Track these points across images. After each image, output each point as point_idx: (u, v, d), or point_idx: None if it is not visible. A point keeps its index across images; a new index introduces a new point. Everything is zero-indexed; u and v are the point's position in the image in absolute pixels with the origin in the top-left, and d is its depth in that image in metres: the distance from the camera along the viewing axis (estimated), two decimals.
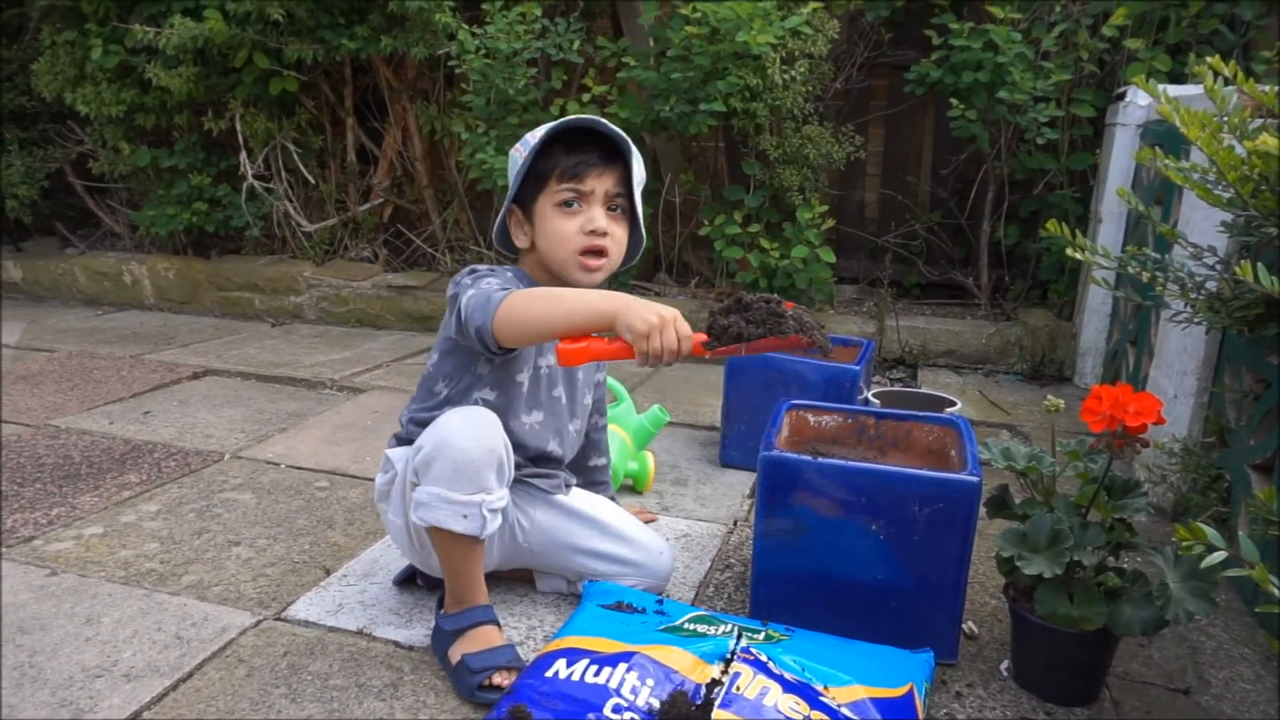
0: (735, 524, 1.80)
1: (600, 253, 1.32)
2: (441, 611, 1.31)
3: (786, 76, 2.88)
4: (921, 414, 1.51)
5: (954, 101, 2.95)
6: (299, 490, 1.93)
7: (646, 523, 1.67)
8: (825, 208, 3.06)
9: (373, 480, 1.47)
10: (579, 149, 1.31)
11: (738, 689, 1.04)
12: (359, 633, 1.37)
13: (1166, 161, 1.31)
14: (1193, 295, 1.39)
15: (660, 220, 3.35)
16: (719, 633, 1.17)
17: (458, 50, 3.06)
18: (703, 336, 1.12)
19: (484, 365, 1.34)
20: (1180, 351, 1.84)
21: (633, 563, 1.45)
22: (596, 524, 1.45)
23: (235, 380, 2.80)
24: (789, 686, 1.05)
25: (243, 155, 3.61)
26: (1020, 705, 1.22)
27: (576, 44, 3.13)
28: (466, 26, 3.06)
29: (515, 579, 1.52)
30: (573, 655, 1.11)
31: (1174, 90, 1.61)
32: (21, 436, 2.22)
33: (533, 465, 1.41)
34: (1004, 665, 1.31)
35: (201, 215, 3.76)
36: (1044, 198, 3.08)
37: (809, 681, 1.07)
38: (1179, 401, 1.83)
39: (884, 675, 1.11)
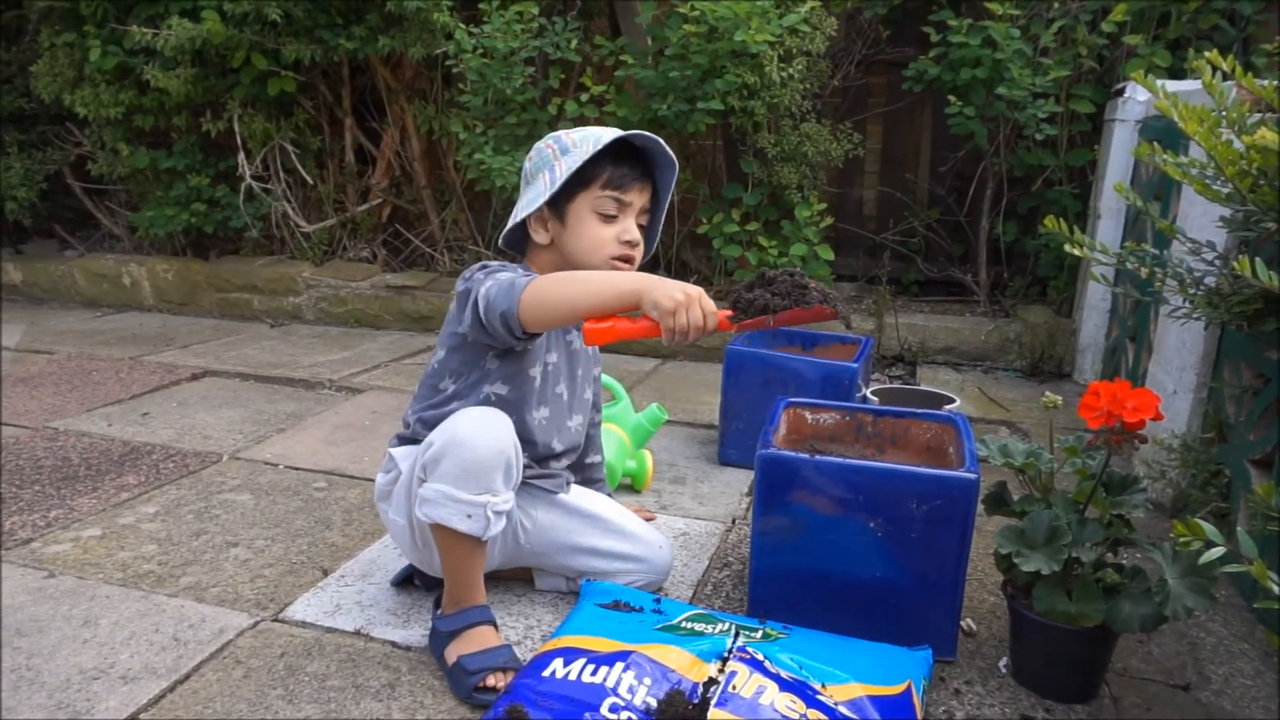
0: (734, 522, 1.80)
1: (629, 261, 1.37)
2: (438, 612, 1.31)
3: (784, 74, 2.88)
4: (919, 411, 1.50)
5: (952, 98, 2.95)
6: (297, 491, 1.93)
7: (645, 521, 1.67)
8: (824, 205, 3.06)
9: (371, 481, 1.47)
10: (624, 160, 1.34)
11: (734, 688, 1.04)
12: (356, 633, 1.36)
13: (1165, 157, 1.31)
14: (1191, 291, 1.39)
15: None
16: (716, 631, 1.17)
17: (455, 50, 3.06)
18: (728, 312, 1.14)
19: (493, 360, 1.34)
20: (1179, 347, 1.83)
21: (634, 558, 1.45)
22: (598, 521, 1.45)
23: (234, 381, 2.80)
24: (785, 685, 1.05)
25: (241, 156, 3.61)
26: (1019, 702, 1.22)
27: (574, 43, 3.12)
28: (464, 26, 3.06)
29: (513, 578, 1.51)
30: (570, 654, 1.11)
31: (1173, 86, 1.60)
32: (20, 439, 2.22)
33: (538, 466, 1.42)
34: (1003, 662, 1.30)
35: (200, 216, 3.75)
36: (1043, 194, 3.07)
37: (806, 680, 1.07)
38: (1178, 397, 1.82)
39: (882, 673, 1.10)
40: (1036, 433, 2.33)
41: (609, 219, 1.34)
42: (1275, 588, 0.84)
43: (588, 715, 1.02)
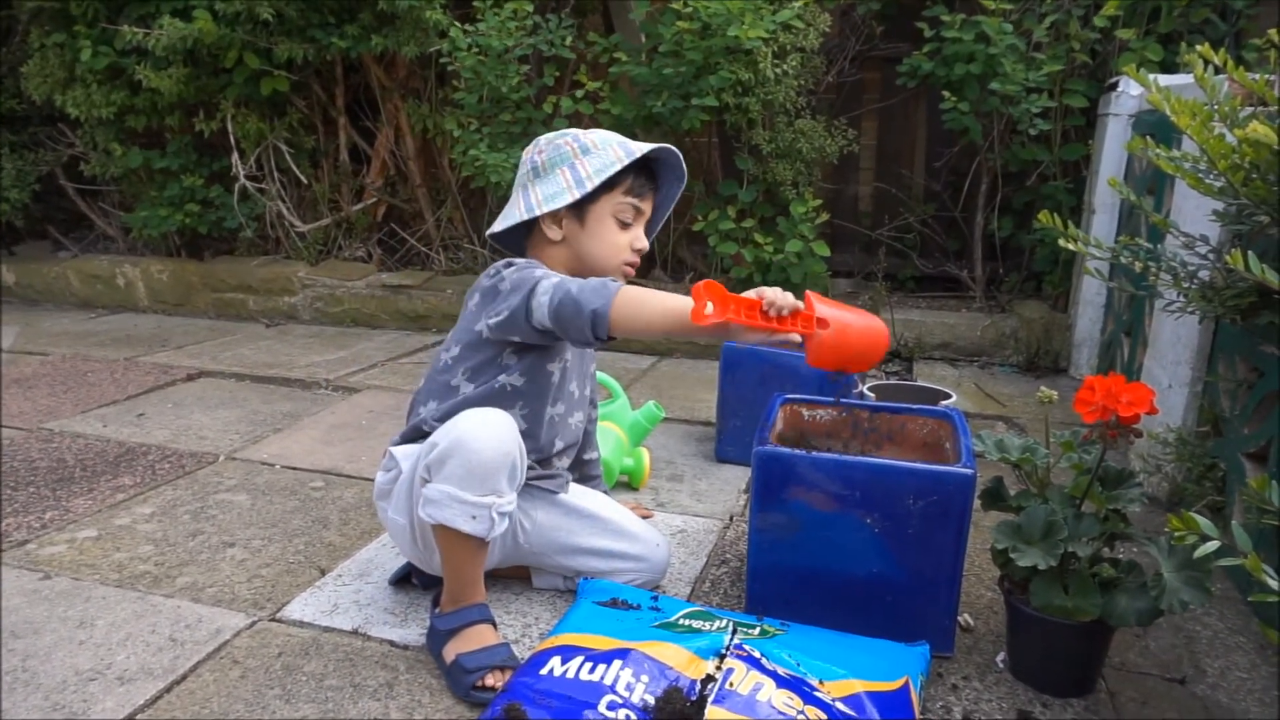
0: (731, 519, 1.80)
1: (635, 268, 1.43)
2: (437, 610, 1.31)
3: (778, 71, 2.87)
4: (915, 407, 1.50)
5: (946, 94, 2.95)
6: (294, 491, 1.93)
7: (643, 519, 1.67)
8: (819, 202, 3.05)
9: (368, 480, 1.47)
10: (642, 169, 1.39)
11: (731, 685, 1.04)
12: (354, 633, 1.36)
13: (1158, 151, 1.31)
14: (1186, 285, 1.39)
15: None
16: (714, 628, 1.17)
17: (449, 48, 3.05)
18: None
19: (511, 356, 1.35)
20: (1174, 341, 1.84)
21: (632, 556, 1.45)
22: (597, 521, 1.45)
23: (230, 381, 2.80)
24: (783, 682, 1.05)
25: (234, 156, 3.59)
26: (1016, 697, 1.22)
27: (568, 40, 3.12)
28: (458, 24, 3.05)
29: (511, 576, 1.51)
30: (568, 653, 1.11)
31: (1165, 80, 1.61)
32: (15, 440, 2.21)
33: (540, 466, 1.42)
34: (1000, 657, 1.31)
35: (194, 217, 3.74)
36: (1037, 189, 3.07)
37: (803, 676, 1.07)
38: (1173, 391, 1.83)
39: (879, 669, 1.11)
40: (1032, 428, 2.33)
41: (625, 225, 1.39)
42: (1270, 581, 0.84)
43: (586, 713, 1.02)
